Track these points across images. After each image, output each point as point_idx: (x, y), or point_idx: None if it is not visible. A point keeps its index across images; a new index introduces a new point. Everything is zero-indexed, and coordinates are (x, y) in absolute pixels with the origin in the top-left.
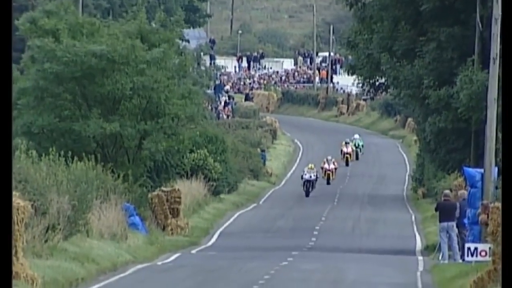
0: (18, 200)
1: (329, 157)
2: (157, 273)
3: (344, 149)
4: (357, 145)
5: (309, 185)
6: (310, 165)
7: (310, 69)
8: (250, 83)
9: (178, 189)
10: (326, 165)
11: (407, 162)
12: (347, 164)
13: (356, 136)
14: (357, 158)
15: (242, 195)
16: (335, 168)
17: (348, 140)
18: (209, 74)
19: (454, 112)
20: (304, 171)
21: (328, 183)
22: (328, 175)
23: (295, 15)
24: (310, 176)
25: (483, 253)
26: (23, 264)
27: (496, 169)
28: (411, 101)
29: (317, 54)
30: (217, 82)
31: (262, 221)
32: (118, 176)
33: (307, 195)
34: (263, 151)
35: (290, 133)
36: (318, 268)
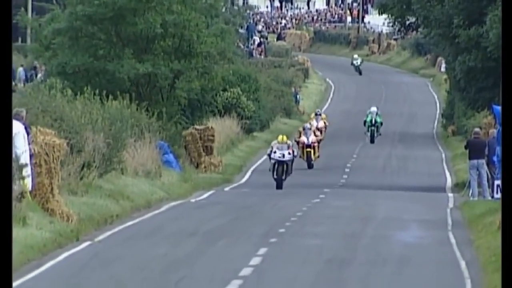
0: (54, 138)
1: (307, 125)
2: (191, 210)
3: (304, 140)
4: (373, 121)
5: (281, 169)
6: (281, 137)
7: (342, 9)
8: (282, 23)
9: (212, 127)
10: (303, 138)
11: (437, 101)
12: (309, 166)
13: (373, 109)
14: (372, 141)
15: (275, 133)
16: (318, 141)
17: (319, 111)
18: (241, 14)
19: (483, 51)
20: (272, 147)
21: (309, 166)
22: (308, 153)
23: None
24: (283, 155)
25: None
26: (59, 201)
27: None
28: (441, 40)
29: None
30: (250, 21)
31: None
32: (153, 114)
33: (278, 186)
34: (296, 92)
35: (321, 72)
36: (349, 205)
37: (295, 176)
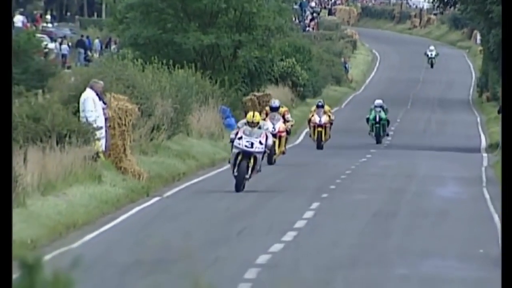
0: (126, 104)
1: (320, 102)
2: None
3: (316, 119)
4: (378, 119)
5: (246, 163)
6: (250, 114)
7: None
8: (333, 0)
9: (269, 94)
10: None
11: (472, 70)
12: (318, 146)
13: (378, 101)
14: (378, 141)
15: (326, 99)
16: (331, 123)
17: (321, 102)
18: None
19: None
20: (238, 128)
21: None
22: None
23: None
24: (251, 144)
25: None
26: (131, 161)
27: None
28: (476, 15)
29: None
30: None
31: (344, 122)
32: (216, 82)
33: (238, 187)
34: (345, 62)
35: (368, 44)
36: (393, 164)
37: (343, 137)
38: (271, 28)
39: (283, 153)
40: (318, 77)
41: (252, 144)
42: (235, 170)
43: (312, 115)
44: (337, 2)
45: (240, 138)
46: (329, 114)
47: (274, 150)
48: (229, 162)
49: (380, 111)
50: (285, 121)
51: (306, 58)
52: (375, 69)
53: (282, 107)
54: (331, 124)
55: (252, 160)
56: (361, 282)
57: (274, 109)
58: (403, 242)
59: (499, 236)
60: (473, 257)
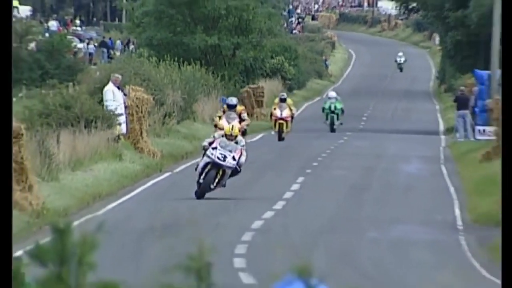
0: (143, 94)
1: (283, 96)
2: (247, 149)
3: (277, 113)
4: (333, 108)
5: (214, 173)
6: (229, 127)
7: None
8: (315, 7)
9: (262, 86)
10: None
11: (432, 66)
12: (279, 138)
13: (332, 94)
14: (332, 130)
15: (310, 91)
16: (292, 116)
17: (284, 95)
18: (284, 0)
19: (467, 28)
20: (214, 138)
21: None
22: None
23: None
24: (224, 157)
25: (489, 133)
26: (146, 142)
27: (499, 71)
28: (435, 21)
29: None
30: (291, 7)
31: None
32: (217, 76)
33: (200, 194)
34: (326, 59)
35: (345, 44)
36: (366, 145)
37: (324, 123)
38: (263, 30)
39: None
40: (303, 72)
41: (225, 157)
42: (201, 178)
43: (275, 109)
44: (319, 10)
45: (215, 148)
46: (291, 108)
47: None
48: (195, 169)
49: (334, 102)
50: (241, 120)
51: (293, 56)
52: (351, 66)
53: (239, 105)
54: (292, 117)
55: (220, 172)
56: (340, 244)
57: (231, 107)
58: (374, 211)
59: (454, 205)
60: (434, 222)
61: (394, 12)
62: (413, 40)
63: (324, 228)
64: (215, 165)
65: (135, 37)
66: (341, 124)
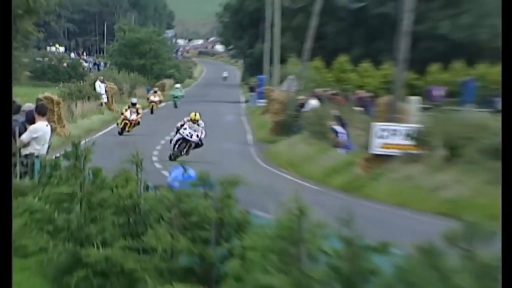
0: (112, 85)
1: (134, 101)
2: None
3: (127, 115)
4: (176, 95)
5: (184, 146)
6: (193, 114)
7: None
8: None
9: (165, 82)
10: (128, 113)
11: (239, 74)
12: (120, 134)
13: (177, 85)
14: (175, 106)
15: (185, 85)
16: (138, 121)
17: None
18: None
19: (254, 58)
20: (183, 122)
21: (120, 133)
22: (125, 124)
23: None
24: (191, 135)
25: (262, 102)
26: (114, 106)
27: (265, 76)
28: (241, 54)
29: None
30: (178, 47)
31: (191, 95)
32: (145, 77)
33: (171, 158)
34: (192, 71)
35: (201, 64)
36: (199, 108)
37: (191, 105)
38: (165, 57)
39: (129, 130)
40: (183, 75)
41: (191, 135)
42: (174, 148)
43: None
44: (188, 49)
45: (185, 128)
46: (139, 112)
47: (126, 128)
48: (170, 142)
49: (178, 91)
50: (137, 113)
51: (178, 68)
52: (204, 73)
53: (137, 104)
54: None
55: (188, 145)
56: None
57: (133, 105)
58: (209, 135)
59: (247, 134)
60: (238, 141)
61: (222, 49)
62: (231, 62)
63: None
64: (184, 140)
65: (109, 60)
66: (177, 106)
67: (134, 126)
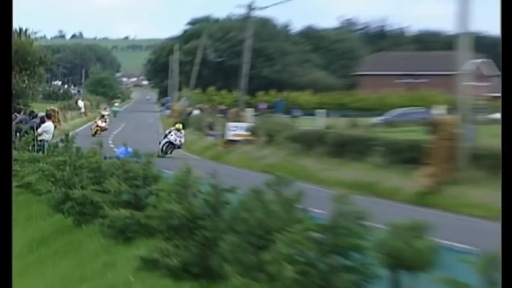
0: (87, 101)
1: (106, 112)
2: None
3: (100, 123)
4: (115, 110)
5: (170, 148)
6: (178, 125)
7: None
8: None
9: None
10: (100, 122)
11: (154, 103)
12: (93, 135)
13: (116, 104)
14: (115, 116)
15: (123, 103)
16: (106, 128)
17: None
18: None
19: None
20: (170, 130)
21: (93, 135)
22: (97, 130)
23: None
24: (176, 140)
25: (173, 111)
26: (90, 113)
27: (169, 98)
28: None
29: None
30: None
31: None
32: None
33: (160, 156)
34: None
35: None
36: (134, 117)
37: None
38: (115, 87)
39: (100, 134)
40: (125, 97)
41: (176, 139)
42: (162, 150)
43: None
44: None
45: (172, 135)
46: (107, 121)
47: (98, 133)
48: (159, 143)
49: (115, 107)
50: (106, 122)
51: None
52: (136, 97)
53: (106, 115)
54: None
55: (172, 148)
56: (134, 134)
57: (103, 116)
58: (134, 131)
59: (159, 128)
60: (153, 132)
61: (147, 83)
62: (152, 90)
63: (130, 129)
64: (171, 143)
65: (86, 89)
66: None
67: (103, 131)
